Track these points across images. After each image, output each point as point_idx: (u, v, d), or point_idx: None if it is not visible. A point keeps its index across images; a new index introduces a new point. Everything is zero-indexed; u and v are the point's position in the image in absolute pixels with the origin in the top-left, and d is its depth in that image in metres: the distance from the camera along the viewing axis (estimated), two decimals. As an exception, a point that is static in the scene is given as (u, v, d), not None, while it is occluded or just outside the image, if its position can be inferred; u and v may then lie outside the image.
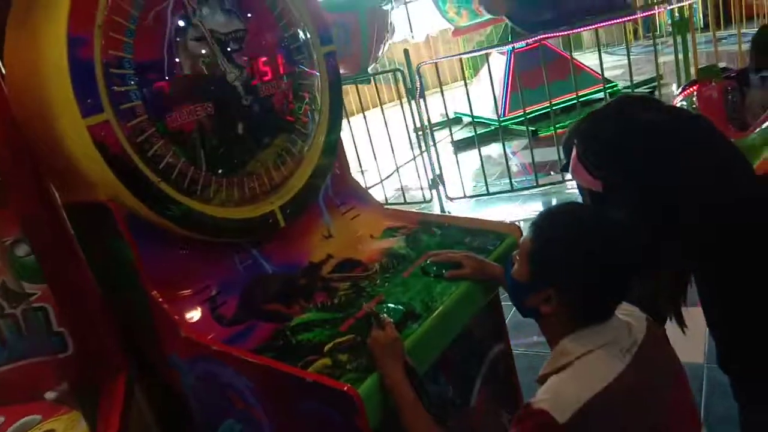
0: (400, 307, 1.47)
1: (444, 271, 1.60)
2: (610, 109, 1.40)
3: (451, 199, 5.02)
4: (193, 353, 1.40)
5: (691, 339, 1.50)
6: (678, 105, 2.75)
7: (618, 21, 5.28)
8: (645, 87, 6.65)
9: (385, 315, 1.40)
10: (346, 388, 1.18)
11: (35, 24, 1.28)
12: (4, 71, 1.36)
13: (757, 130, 2.20)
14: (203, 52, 1.47)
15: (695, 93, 2.60)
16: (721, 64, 3.52)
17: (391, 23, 6.31)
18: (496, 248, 1.73)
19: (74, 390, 1.39)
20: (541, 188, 4.75)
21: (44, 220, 1.35)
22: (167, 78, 1.40)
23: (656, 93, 4.96)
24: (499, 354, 1.90)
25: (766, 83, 2.26)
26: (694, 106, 2.57)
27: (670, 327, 1.46)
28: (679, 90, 2.85)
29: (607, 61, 9.18)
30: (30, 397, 1.38)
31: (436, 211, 4.87)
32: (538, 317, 1.19)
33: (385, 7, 6.05)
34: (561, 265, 1.11)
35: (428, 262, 1.66)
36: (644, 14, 6.33)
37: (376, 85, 5.36)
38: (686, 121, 1.32)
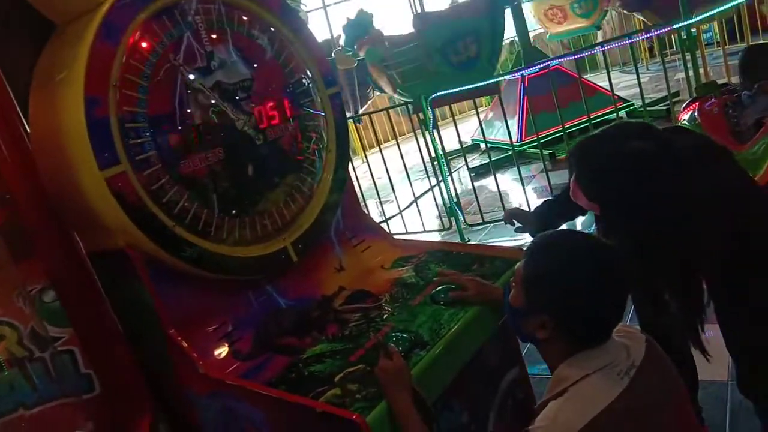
0: (407, 335, 1.51)
1: (449, 296, 1.64)
2: (601, 135, 1.43)
3: (470, 226, 5.03)
4: (210, 389, 1.46)
5: (714, 357, 1.47)
6: (681, 122, 2.78)
7: (631, 41, 5.30)
8: (662, 104, 6.62)
9: (392, 344, 1.44)
10: (354, 417, 1.22)
11: (55, 86, 1.40)
12: (29, 130, 1.47)
13: (758, 142, 2.21)
14: (212, 102, 1.56)
15: (696, 109, 2.62)
16: (721, 80, 3.52)
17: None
18: (502, 274, 1.76)
19: (101, 430, 1.44)
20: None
21: (69, 268, 1.43)
22: (179, 128, 1.49)
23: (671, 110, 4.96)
24: (515, 379, 1.91)
25: (756, 101, 2.28)
26: (697, 122, 2.59)
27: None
28: (682, 107, 2.87)
29: (626, 80, 9.22)
30: (59, 437, 1.44)
31: (456, 238, 4.89)
32: (536, 342, 1.22)
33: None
34: (553, 291, 1.14)
35: (436, 285, 1.70)
36: (658, 32, 6.35)
37: (390, 117, 5.47)
38: (676, 149, 1.34)
